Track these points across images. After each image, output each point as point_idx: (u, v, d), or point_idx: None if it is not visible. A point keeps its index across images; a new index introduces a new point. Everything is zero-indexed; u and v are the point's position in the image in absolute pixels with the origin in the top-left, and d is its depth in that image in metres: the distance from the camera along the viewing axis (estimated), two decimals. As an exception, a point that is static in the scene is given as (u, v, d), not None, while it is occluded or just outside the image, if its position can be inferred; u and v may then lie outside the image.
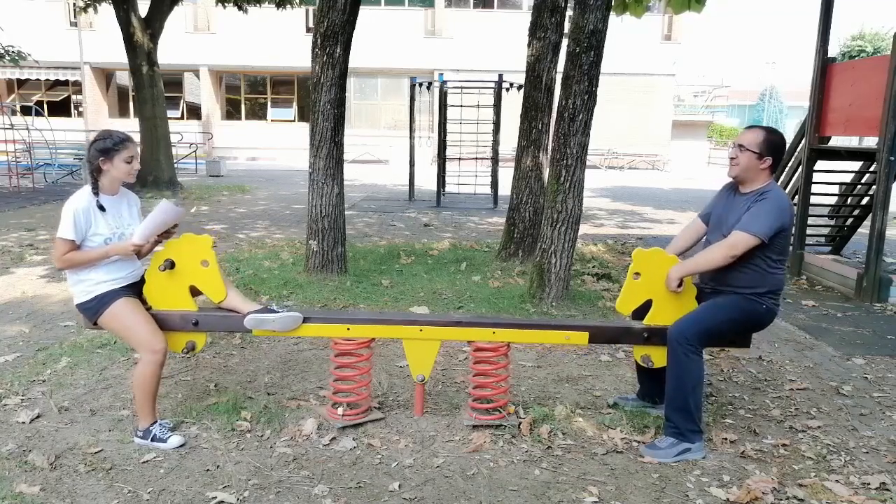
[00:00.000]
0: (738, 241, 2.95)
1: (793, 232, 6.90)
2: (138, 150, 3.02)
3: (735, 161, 3.08)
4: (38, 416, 3.24)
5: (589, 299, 5.52)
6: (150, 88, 13.54)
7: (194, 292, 3.18)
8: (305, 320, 3.17)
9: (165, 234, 3.09)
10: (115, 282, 3.01)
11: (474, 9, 26.43)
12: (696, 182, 20.74)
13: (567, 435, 3.17)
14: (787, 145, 8.04)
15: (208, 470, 2.81)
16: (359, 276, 6.13)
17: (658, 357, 3.19)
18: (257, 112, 28.29)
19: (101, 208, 2.95)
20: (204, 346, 3.26)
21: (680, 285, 3.10)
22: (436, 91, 13.30)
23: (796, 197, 7.31)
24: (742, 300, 3.04)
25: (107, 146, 2.92)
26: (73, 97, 27.55)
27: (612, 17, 5.71)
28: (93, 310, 2.98)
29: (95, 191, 2.96)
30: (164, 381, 3.64)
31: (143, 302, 3.12)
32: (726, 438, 3.16)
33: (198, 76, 26.82)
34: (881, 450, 3.14)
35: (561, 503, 2.64)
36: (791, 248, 6.94)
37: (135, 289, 3.10)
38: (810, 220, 7.21)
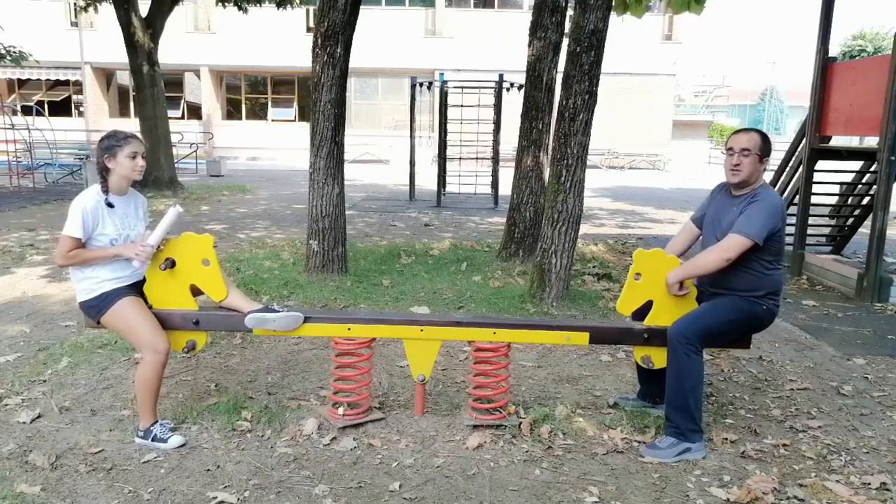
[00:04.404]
0: (733, 244, 2.93)
1: (793, 232, 6.92)
2: (143, 148, 3.06)
3: (739, 167, 3.01)
4: (38, 416, 3.24)
5: (589, 299, 5.52)
6: (150, 88, 13.55)
7: (195, 292, 3.18)
8: (306, 320, 3.17)
9: None
10: (120, 280, 3.02)
11: (474, 9, 26.42)
12: (696, 182, 20.73)
13: (567, 435, 3.17)
14: (788, 145, 8.11)
15: (209, 470, 2.81)
16: (359, 276, 6.14)
17: (658, 358, 3.19)
18: (258, 112, 28.30)
19: (110, 205, 2.97)
20: (204, 346, 3.27)
21: (681, 288, 3.10)
22: (436, 91, 13.30)
23: (797, 197, 7.31)
24: (742, 301, 3.04)
25: (110, 144, 2.97)
26: (74, 97, 27.56)
27: (613, 17, 5.71)
28: (96, 308, 2.98)
29: (105, 190, 2.97)
30: (165, 380, 3.63)
31: (146, 300, 3.13)
32: (727, 438, 3.16)
33: (198, 76, 26.83)
34: (881, 450, 3.14)
35: (561, 503, 2.64)
36: (791, 247, 6.94)
37: (137, 287, 3.11)
38: (811, 220, 7.20)
